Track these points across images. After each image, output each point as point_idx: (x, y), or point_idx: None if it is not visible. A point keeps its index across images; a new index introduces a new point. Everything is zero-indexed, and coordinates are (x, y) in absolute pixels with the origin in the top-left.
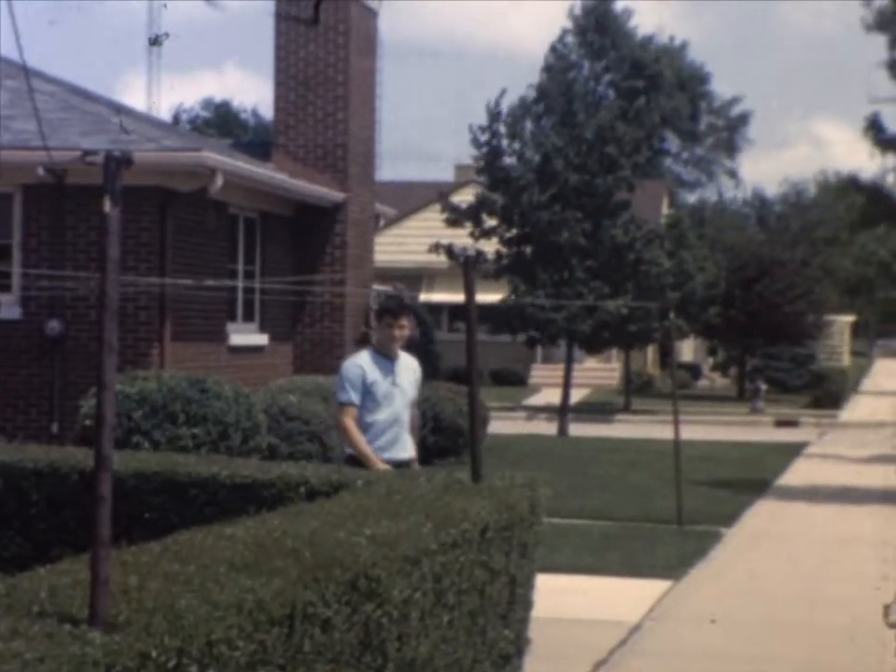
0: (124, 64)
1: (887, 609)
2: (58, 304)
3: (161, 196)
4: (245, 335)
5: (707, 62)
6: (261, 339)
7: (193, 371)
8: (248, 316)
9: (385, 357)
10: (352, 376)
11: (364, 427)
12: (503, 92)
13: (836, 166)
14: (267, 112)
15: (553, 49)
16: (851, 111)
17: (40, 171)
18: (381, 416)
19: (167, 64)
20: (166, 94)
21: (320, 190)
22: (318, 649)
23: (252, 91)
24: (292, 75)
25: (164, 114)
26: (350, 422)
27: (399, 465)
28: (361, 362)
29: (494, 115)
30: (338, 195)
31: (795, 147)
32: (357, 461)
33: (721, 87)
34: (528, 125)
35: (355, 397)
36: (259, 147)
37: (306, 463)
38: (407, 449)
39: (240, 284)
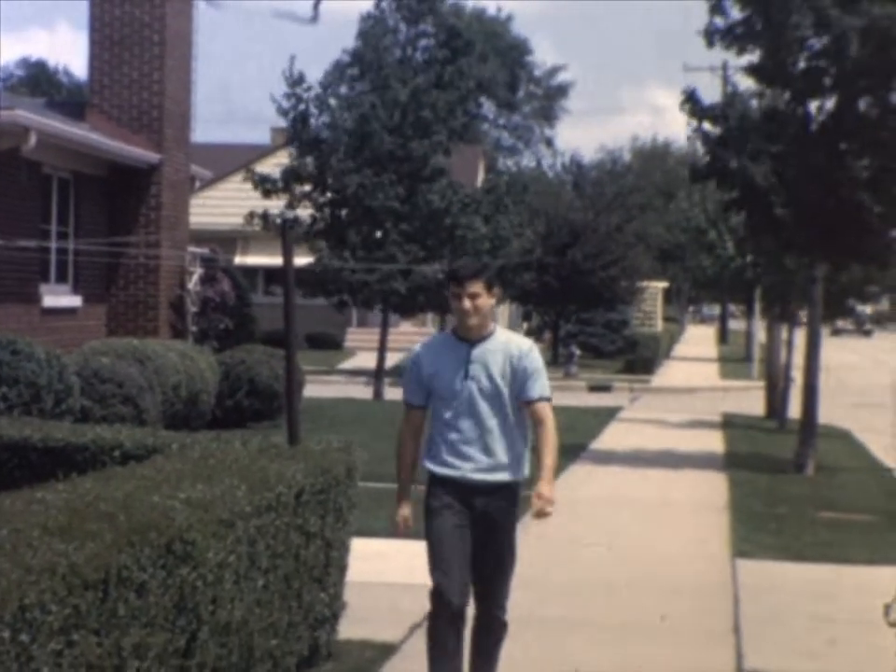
0: None
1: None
2: None
3: None
4: (58, 297)
5: (536, 31)
6: (75, 301)
7: (4, 333)
8: (61, 278)
9: (461, 340)
10: (408, 367)
11: (432, 436)
12: (293, 59)
13: (666, 133)
14: (82, 72)
15: (368, 14)
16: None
17: None
18: (450, 421)
19: None
20: None
21: (135, 151)
22: (133, 612)
23: (70, 51)
24: (107, 35)
25: None
26: (406, 429)
27: (481, 489)
28: (422, 349)
29: (294, 81)
30: (153, 156)
31: (626, 115)
32: (439, 480)
33: (548, 57)
34: (343, 89)
35: (412, 395)
36: (74, 106)
37: (121, 426)
38: (497, 467)
39: (53, 244)
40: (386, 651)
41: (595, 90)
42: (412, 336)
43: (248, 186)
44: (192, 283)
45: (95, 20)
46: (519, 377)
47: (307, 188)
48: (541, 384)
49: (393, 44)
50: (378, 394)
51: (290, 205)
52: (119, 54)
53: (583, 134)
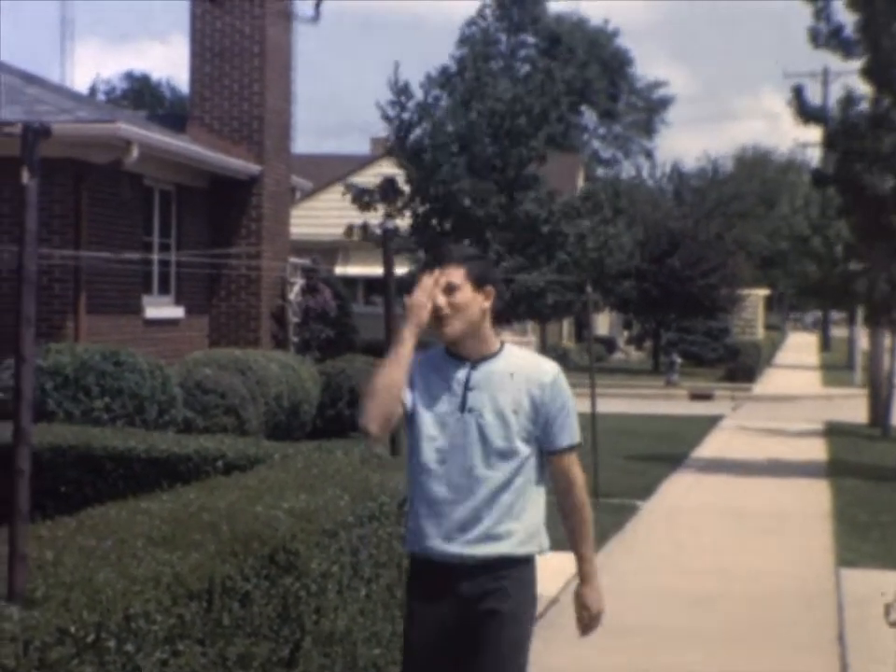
0: (44, 37)
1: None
2: None
3: (75, 168)
4: (160, 308)
5: (643, 41)
6: (177, 312)
7: (109, 344)
8: (164, 289)
9: (456, 358)
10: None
11: (409, 500)
12: (397, 66)
13: (776, 140)
14: (183, 85)
15: (471, 22)
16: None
17: None
18: (433, 470)
19: (87, 36)
20: (85, 67)
21: (236, 163)
22: (237, 622)
23: (172, 64)
24: (208, 46)
25: (81, 86)
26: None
27: (470, 569)
28: (423, 357)
29: (398, 90)
30: (254, 168)
31: (738, 122)
32: (418, 563)
33: (655, 66)
34: (444, 97)
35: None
36: (175, 119)
37: (223, 437)
38: (497, 536)
39: (155, 256)
40: None
41: (706, 96)
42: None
43: (349, 197)
44: (293, 293)
45: (196, 32)
46: (542, 417)
47: (407, 197)
48: (571, 425)
49: (495, 52)
50: None
51: (390, 215)
52: (219, 66)
53: (692, 142)
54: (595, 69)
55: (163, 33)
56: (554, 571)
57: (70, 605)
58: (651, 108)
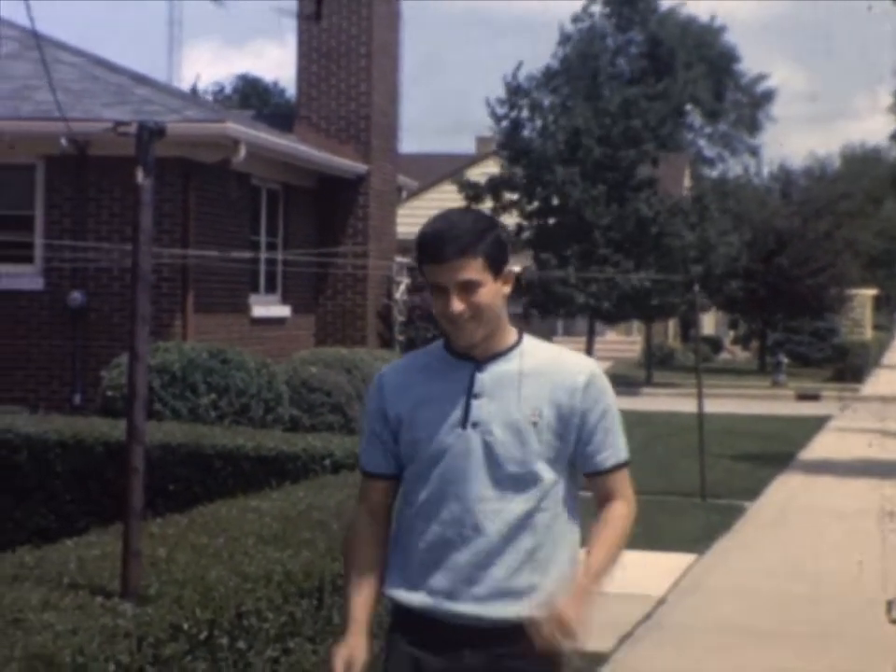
0: (151, 37)
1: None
2: (80, 276)
3: (183, 167)
4: (267, 307)
5: (753, 40)
6: (283, 310)
7: (216, 343)
8: (271, 288)
9: (459, 358)
10: (369, 409)
11: (395, 536)
12: (520, 65)
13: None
14: (290, 85)
15: (576, 19)
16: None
17: (63, 142)
18: (429, 504)
19: (194, 37)
20: (193, 67)
21: (343, 162)
22: None
23: (279, 64)
24: (315, 46)
25: (187, 85)
26: (360, 515)
27: (480, 634)
28: (389, 371)
29: (512, 88)
30: (360, 167)
31: (856, 120)
32: (403, 616)
33: (764, 66)
34: (548, 97)
35: (370, 455)
36: (282, 119)
37: (331, 435)
38: (513, 592)
39: (262, 255)
40: (596, 660)
41: (818, 94)
42: (618, 345)
43: (454, 196)
44: (399, 292)
45: (303, 32)
46: (574, 430)
47: (515, 196)
48: (616, 438)
49: (601, 51)
50: None
51: (496, 214)
52: (326, 66)
53: (804, 141)
54: (702, 70)
55: (272, 34)
56: (662, 571)
57: (183, 602)
58: (756, 103)
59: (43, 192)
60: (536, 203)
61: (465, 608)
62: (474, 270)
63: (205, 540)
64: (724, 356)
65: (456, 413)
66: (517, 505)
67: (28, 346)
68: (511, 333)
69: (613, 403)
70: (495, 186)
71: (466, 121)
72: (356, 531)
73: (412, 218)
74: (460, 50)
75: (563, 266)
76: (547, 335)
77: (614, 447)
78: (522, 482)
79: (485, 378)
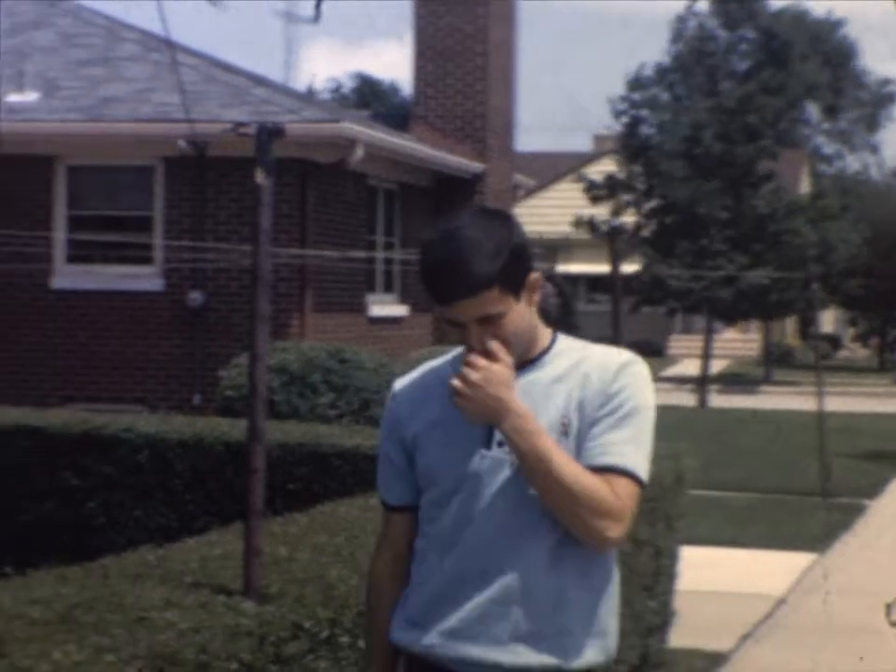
0: (268, 39)
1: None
2: (199, 276)
3: (300, 167)
4: (384, 306)
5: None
6: (401, 310)
7: (333, 342)
8: (388, 287)
9: None
10: (382, 428)
11: (413, 570)
12: (643, 65)
13: None
14: (406, 84)
15: (681, 20)
16: None
17: (182, 143)
18: (444, 535)
19: (312, 37)
20: (310, 67)
21: (459, 161)
22: None
23: (393, 64)
24: (431, 45)
25: (304, 86)
26: (381, 552)
27: None
28: (403, 388)
29: (633, 85)
30: (477, 166)
31: None
32: (413, 665)
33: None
34: (664, 94)
35: (388, 484)
36: (399, 118)
37: None
38: (541, 636)
39: (379, 255)
40: (716, 660)
41: None
42: (736, 343)
43: (571, 194)
44: None
45: (419, 31)
46: (590, 418)
47: (633, 194)
48: (630, 439)
49: (715, 48)
50: (703, 402)
51: (616, 212)
52: (442, 65)
53: None
54: (816, 63)
55: (388, 34)
56: (782, 570)
57: (305, 601)
58: (878, 103)
59: (162, 194)
60: (653, 202)
61: (481, 652)
62: (491, 303)
63: (325, 539)
64: (844, 353)
65: (480, 432)
66: (546, 536)
67: (148, 347)
68: (544, 337)
69: (647, 406)
70: (612, 185)
71: (582, 120)
72: (376, 572)
73: (529, 217)
74: (576, 49)
75: (680, 263)
76: (664, 333)
77: (623, 448)
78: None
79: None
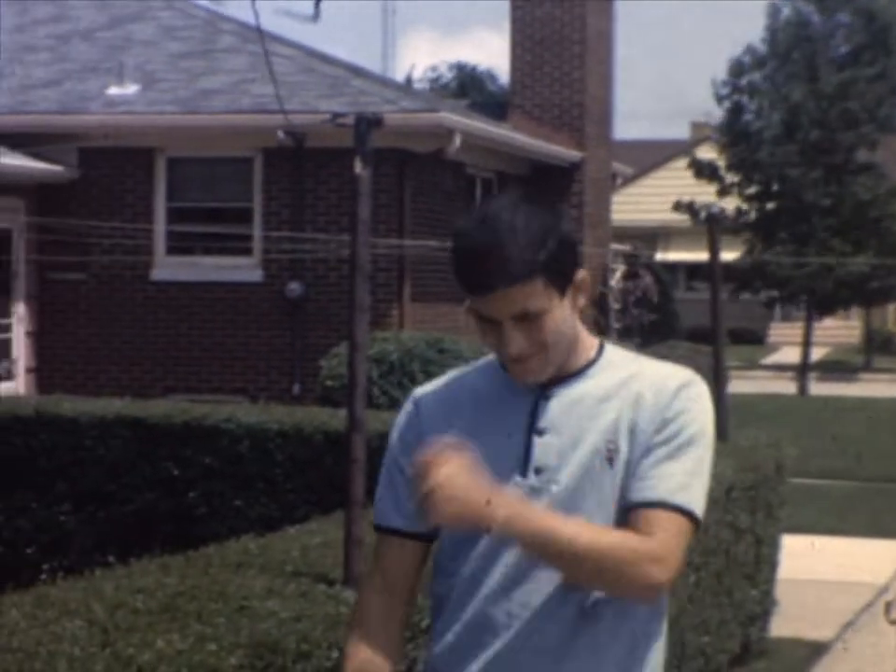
0: (366, 29)
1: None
2: (298, 267)
3: (398, 157)
4: None
5: None
6: None
7: (432, 332)
8: None
9: (512, 388)
10: (397, 439)
11: (434, 619)
12: (747, 49)
13: None
14: (503, 73)
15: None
16: None
17: (280, 134)
18: (472, 578)
19: (410, 26)
20: (409, 57)
21: (557, 150)
22: None
23: (493, 53)
24: (528, 34)
25: (402, 76)
26: (372, 588)
27: None
28: (428, 398)
29: (736, 70)
30: (575, 154)
31: None
32: None
33: None
34: (763, 80)
35: (389, 504)
36: (496, 107)
37: None
38: None
39: None
40: (818, 649)
41: None
42: (836, 330)
43: (669, 182)
44: (615, 279)
45: (517, 21)
46: (642, 446)
47: (735, 179)
48: (683, 471)
49: (813, 34)
50: (803, 390)
51: (721, 193)
52: (540, 54)
53: None
54: None
55: (487, 23)
56: (884, 559)
57: None
58: None
59: (261, 185)
60: (754, 188)
61: None
62: (534, 297)
63: None
64: None
65: (514, 456)
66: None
67: (248, 337)
68: (589, 347)
69: (706, 434)
70: (714, 169)
71: (680, 107)
72: (364, 607)
73: (627, 205)
74: (674, 34)
75: (782, 251)
76: (764, 321)
77: (672, 481)
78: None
79: (553, 407)
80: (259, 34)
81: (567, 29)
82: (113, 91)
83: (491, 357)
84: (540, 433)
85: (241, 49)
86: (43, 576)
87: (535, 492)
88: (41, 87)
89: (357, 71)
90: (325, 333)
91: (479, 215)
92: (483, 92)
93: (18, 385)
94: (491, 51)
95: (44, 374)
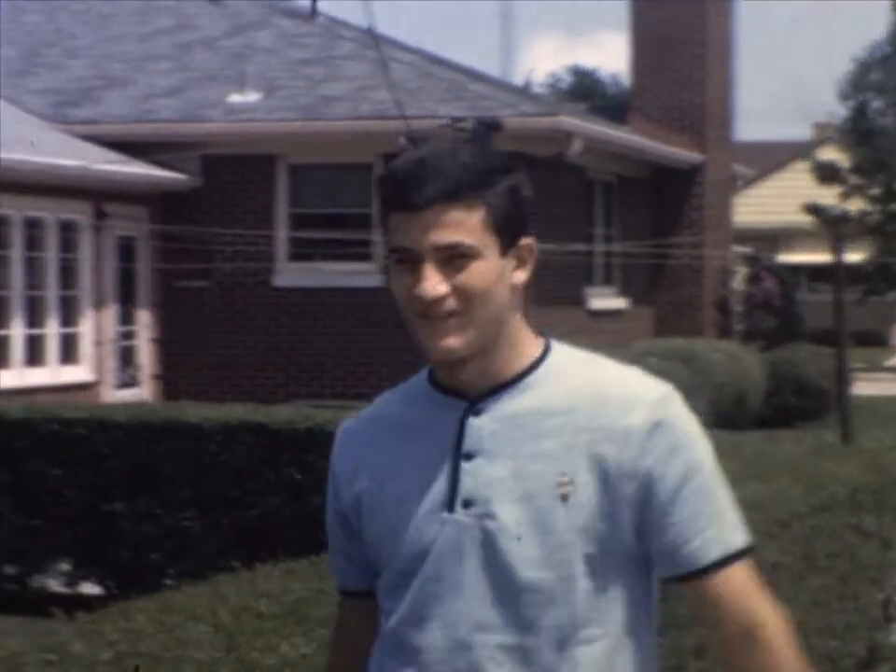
0: (484, 33)
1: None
2: None
3: (518, 161)
4: (604, 299)
5: None
6: (620, 302)
7: (553, 335)
8: (607, 280)
9: (444, 393)
10: (329, 487)
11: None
12: (872, 47)
13: None
14: (624, 76)
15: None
16: None
17: (400, 139)
18: (402, 628)
19: (531, 29)
20: (529, 60)
21: (677, 152)
22: (691, 613)
23: (614, 56)
24: (649, 36)
25: (521, 80)
26: (335, 647)
27: None
28: (344, 436)
29: (861, 69)
30: (695, 157)
31: None
32: None
33: None
34: (884, 78)
35: (339, 565)
36: (616, 110)
37: None
38: None
39: (598, 248)
40: None
41: None
42: None
43: (791, 183)
44: (736, 282)
45: (637, 22)
46: (636, 502)
47: (858, 181)
48: (716, 508)
49: None
50: None
51: (845, 196)
52: (660, 56)
53: None
54: None
55: (608, 26)
56: None
57: None
58: None
59: None
60: (878, 189)
61: None
62: (467, 228)
63: None
64: None
65: (438, 487)
66: (542, 636)
67: (370, 342)
68: (530, 346)
69: (704, 453)
70: (836, 171)
71: (801, 108)
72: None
73: (748, 207)
74: (796, 34)
75: None
76: (888, 322)
77: (716, 527)
78: (548, 596)
79: (483, 424)
80: (376, 40)
81: (688, 30)
82: (234, 98)
83: (418, 376)
84: (469, 457)
85: (360, 55)
86: (168, 581)
87: (465, 530)
88: (163, 96)
89: (475, 75)
90: None
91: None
92: (603, 96)
93: (143, 392)
94: (617, 54)
95: (168, 381)
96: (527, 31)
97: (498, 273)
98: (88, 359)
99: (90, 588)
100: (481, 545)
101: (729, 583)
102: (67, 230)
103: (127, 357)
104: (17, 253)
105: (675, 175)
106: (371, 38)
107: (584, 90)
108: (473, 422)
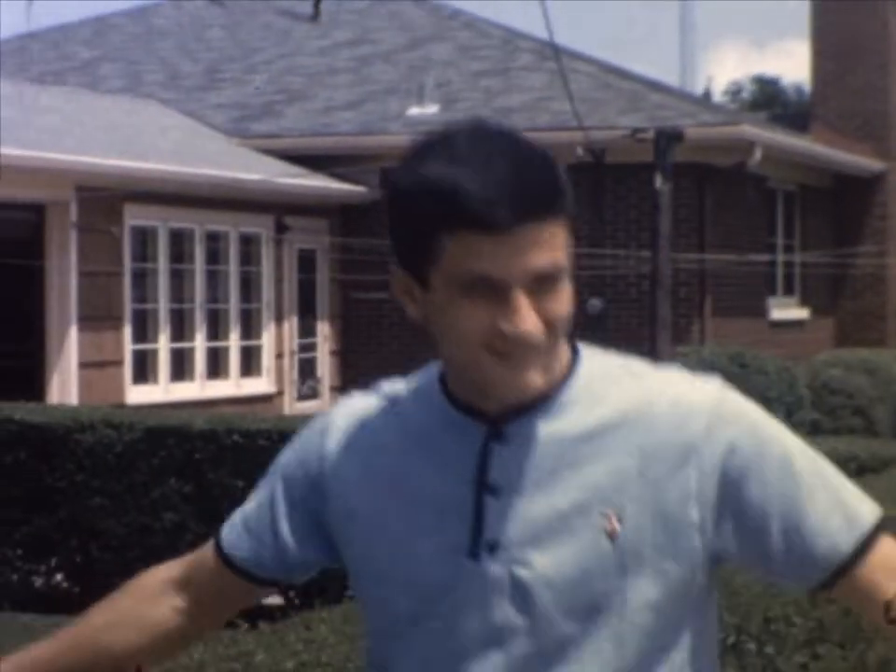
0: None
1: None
2: (598, 283)
3: (698, 171)
4: (784, 309)
5: None
6: (801, 313)
7: (734, 346)
8: (788, 290)
9: (465, 413)
10: (284, 461)
11: None
12: None
13: None
14: (806, 85)
15: None
16: None
17: (579, 150)
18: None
19: (715, 39)
20: (711, 69)
21: (859, 161)
22: (876, 627)
23: (797, 64)
24: (830, 44)
25: (701, 89)
26: (153, 576)
27: None
28: (341, 424)
29: None
30: (878, 165)
31: None
32: None
33: None
34: None
35: (252, 535)
36: (798, 118)
37: (853, 438)
38: None
39: (779, 258)
40: None
41: None
42: None
43: None
44: None
45: (818, 30)
46: (714, 524)
47: None
48: (832, 485)
49: None
50: None
51: None
52: (842, 64)
53: None
54: None
55: (791, 35)
56: None
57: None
58: None
59: None
60: None
61: None
62: (560, 246)
63: None
64: None
65: (456, 525)
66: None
67: None
68: (562, 356)
69: (785, 435)
70: None
71: None
72: (127, 587)
73: None
74: None
75: None
76: None
77: (839, 511)
78: (591, 643)
79: (511, 452)
80: (556, 51)
81: (871, 37)
82: (413, 111)
83: (429, 369)
84: (494, 492)
85: (538, 66)
86: (349, 592)
87: (488, 581)
88: (343, 109)
89: (654, 85)
90: (625, 349)
91: (452, 143)
92: (785, 105)
93: (323, 404)
94: (801, 63)
95: (348, 393)
96: (708, 40)
97: (571, 290)
98: (268, 371)
99: (271, 598)
100: (511, 595)
101: (878, 564)
102: (248, 243)
103: (307, 369)
104: (199, 266)
105: (856, 184)
106: (552, 49)
107: (766, 99)
108: (499, 449)
